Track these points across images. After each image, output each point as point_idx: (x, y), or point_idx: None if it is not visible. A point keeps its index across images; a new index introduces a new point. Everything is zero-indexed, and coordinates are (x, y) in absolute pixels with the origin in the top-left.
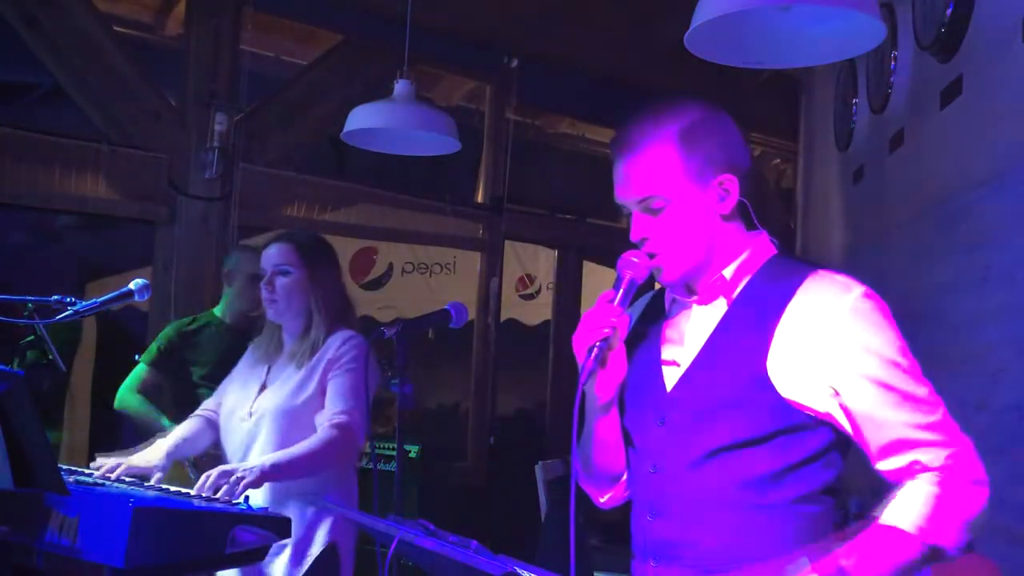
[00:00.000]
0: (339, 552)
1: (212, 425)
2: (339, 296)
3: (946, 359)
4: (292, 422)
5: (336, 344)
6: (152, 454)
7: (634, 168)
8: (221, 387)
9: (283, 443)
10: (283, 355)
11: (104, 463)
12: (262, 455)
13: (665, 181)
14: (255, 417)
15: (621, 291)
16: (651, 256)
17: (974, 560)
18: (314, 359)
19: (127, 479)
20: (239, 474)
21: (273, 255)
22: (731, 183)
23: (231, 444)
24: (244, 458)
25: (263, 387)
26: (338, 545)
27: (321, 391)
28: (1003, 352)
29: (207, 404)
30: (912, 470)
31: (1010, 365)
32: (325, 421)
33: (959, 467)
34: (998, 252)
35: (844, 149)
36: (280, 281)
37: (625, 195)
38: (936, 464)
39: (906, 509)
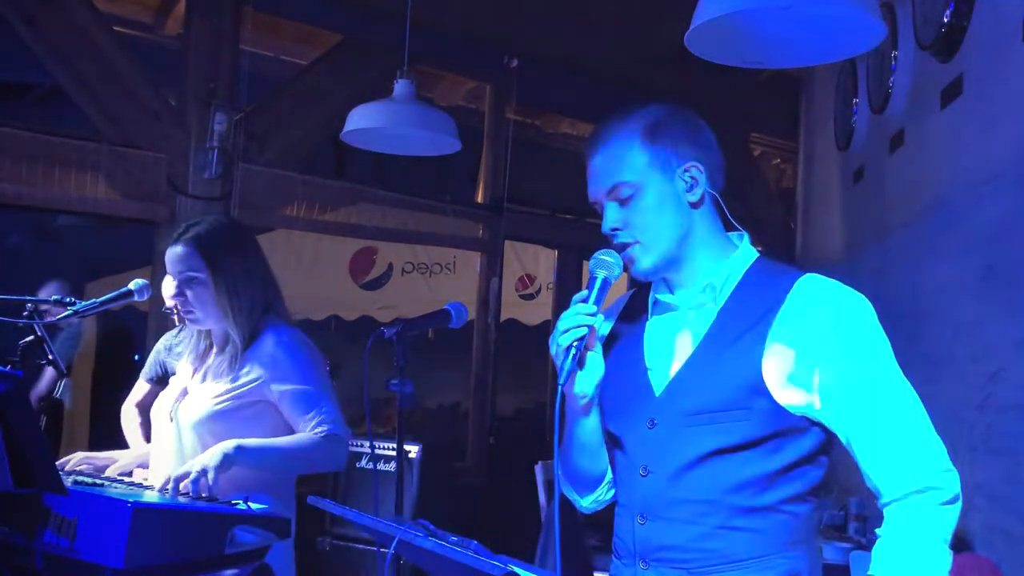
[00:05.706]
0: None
1: None
2: (255, 287)
3: (946, 359)
4: (213, 431)
5: (269, 349)
6: (121, 454)
7: (602, 161)
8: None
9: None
10: (212, 357)
11: (74, 457)
12: (186, 463)
13: (631, 170)
14: (175, 423)
15: (595, 291)
16: (623, 249)
17: (974, 560)
18: (243, 365)
19: (126, 479)
20: (196, 472)
21: (177, 260)
22: (697, 171)
23: (161, 448)
24: (174, 465)
25: (185, 391)
26: (272, 570)
27: (253, 400)
28: (1003, 352)
29: None
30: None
31: (1010, 365)
32: (310, 430)
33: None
34: (998, 252)
35: (844, 149)
36: (190, 291)
37: (596, 189)
38: (923, 483)
39: (898, 564)
